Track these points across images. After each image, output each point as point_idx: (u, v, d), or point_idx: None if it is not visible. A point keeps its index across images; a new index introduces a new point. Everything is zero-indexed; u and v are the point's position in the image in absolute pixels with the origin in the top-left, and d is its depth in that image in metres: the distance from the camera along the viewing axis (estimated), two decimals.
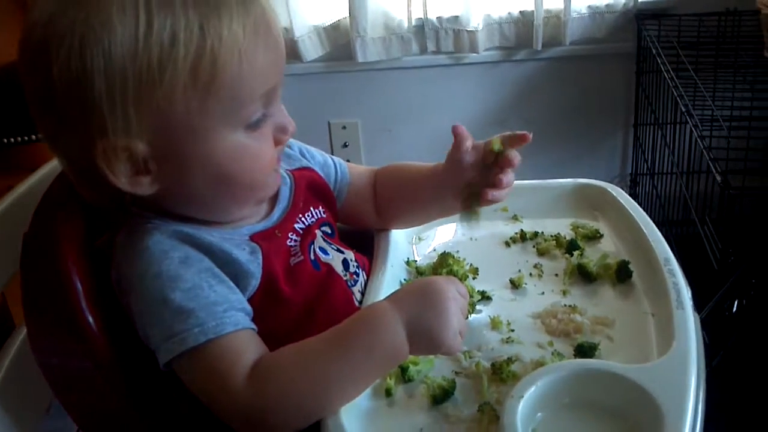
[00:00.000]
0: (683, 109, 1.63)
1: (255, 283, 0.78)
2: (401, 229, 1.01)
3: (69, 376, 0.81)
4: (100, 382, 0.78)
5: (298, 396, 0.71)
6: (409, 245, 1.02)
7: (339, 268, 0.88)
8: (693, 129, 1.56)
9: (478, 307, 0.88)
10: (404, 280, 0.93)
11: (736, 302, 1.35)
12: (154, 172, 0.73)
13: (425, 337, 0.73)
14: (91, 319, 0.76)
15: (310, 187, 0.91)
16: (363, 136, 2.42)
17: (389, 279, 0.90)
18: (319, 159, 0.97)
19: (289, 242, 0.84)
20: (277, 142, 0.79)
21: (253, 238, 0.81)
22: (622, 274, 0.90)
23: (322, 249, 0.88)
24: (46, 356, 0.80)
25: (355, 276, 0.90)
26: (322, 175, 0.95)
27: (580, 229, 1.01)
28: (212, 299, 0.73)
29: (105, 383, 0.78)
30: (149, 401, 0.80)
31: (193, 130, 0.71)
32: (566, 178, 1.10)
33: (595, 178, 1.10)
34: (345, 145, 2.41)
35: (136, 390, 0.79)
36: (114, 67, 0.67)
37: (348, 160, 1.01)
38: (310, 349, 0.73)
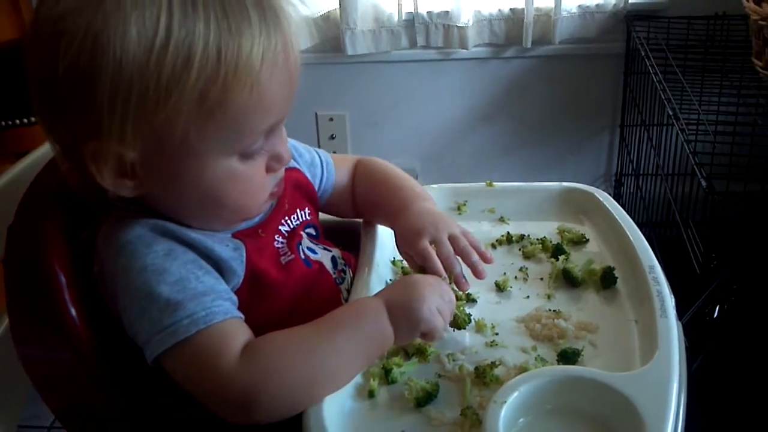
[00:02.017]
0: (670, 113, 1.64)
1: (237, 280, 0.78)
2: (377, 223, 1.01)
3: (50, 368, 0.81)
4: (81, 375, 0.78)
5: (288, 376, 0.71)
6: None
7: (329, 265, 0.88)
8: (680, 133, 1.56)
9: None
10: (390, 280, 0.93)
11: (717, 308, 1.36)
12: (140, 178, 0.72)
13: (402, 314, 0.75)
14: (74, 312, 0.76)
15: (296, 188, 0.91)
16: (350, 128, 2.41)
17: (375, 278, 0.90)
18: (307, 158, 0.96)
19: (276, 244, 0.84)
20: (269, 170, 0.78)
21: (236, 235, 0.81)
22: (606, 280, 0.90)
23: (310, 249, 0.88)
24: (28, 348, 0.80)
25: (342, 274, 0.90)
26: (308, 175, 0.95)
27: (566, 233, 1.01)
28: (200, 290, 0.73)
29: (86, 376, 0.78)
30: (131, 394, 0.80)
31: (187, 151, 0.71)
32: (551, 175, 1.11)
33: (580, 178, 1.11)
34: (332, 137, 2.41)
35: (118, 383, 0.79)
36: (122, 77, 0.65)
37: (334, 152, 1.01)
38: (299, 333, 0.74)
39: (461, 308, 0.85)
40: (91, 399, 0.79)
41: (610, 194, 1.06)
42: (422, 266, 0.85)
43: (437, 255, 0.84)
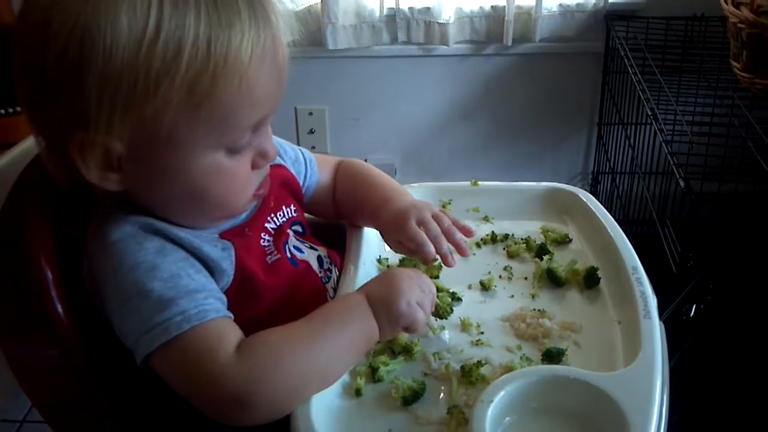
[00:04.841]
0: (649, 112, 1.66)
1: (227, 280, 0.78)
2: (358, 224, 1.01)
3: (35, 364, 0.80)
4: (67, 371, 0.77)
5: (283, 375, 0.71)
6: (381, 242, 1.01)
7: (315, 265, 0.88)
8: (658, 132, 1.58)
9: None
10: None
11: (694, 307, 1.38)
12: (126, 171, 0.72)
13: (383, 308, 0.77)
14: (60, 308, 0.76)
15: (282, 185, 0.91)
16: (329, 123, 2.41)
17: (361, 277, 0.90)
18: (291, 154, 0.97)
19: (263, 242, 0.84)
20: (255, 166, 0.78)
21: (224, 235, 0.81)
22: (590, 280, 0.91)
23: (296, 248, 0.88)
24: (13, 343, 0.80)
25: (328, 273, 0.90)
26: (293, 172, 0.95)
27: (549, 233, 1.02)
28: (192, 287, 0.72)
29: (72, 373, 0.77)
30: (119, 391, 0.79)
31: (174, 144, 0.70)
32: (529, 173, 1.12)
33: (558, 175, 1.11)
34: (311, 132, 2.40)
35: (106, 380, 0.78)
36: (111, 68, 0.65)
37: (313, 147, 1.00)
38: (291, 332, 0.74)
39: (443, 298, 0.86)
40: (77, 395, 0.79)
41: (586, 192, 1.07)
42: (414, 249, 0.87)
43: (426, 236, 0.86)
